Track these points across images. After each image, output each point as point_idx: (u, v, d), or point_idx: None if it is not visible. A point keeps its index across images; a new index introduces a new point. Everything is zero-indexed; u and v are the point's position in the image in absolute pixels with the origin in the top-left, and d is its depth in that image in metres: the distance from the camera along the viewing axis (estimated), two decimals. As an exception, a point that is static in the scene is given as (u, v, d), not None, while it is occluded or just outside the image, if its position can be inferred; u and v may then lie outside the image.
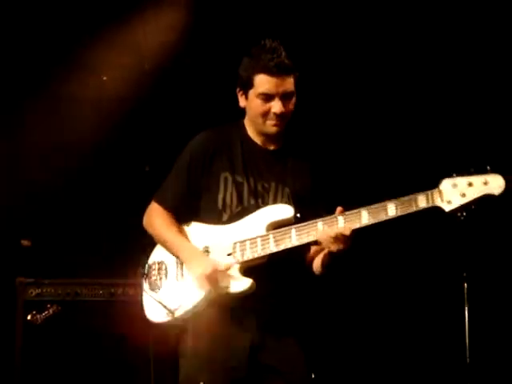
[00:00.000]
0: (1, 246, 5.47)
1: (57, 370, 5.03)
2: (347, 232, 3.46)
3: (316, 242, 3.64)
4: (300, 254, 3.73)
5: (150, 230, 3.84)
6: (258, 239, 3.61)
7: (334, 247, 3.49)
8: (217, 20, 5.86)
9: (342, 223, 3.49)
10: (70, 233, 5.84)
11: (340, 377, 6.08)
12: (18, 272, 5.15)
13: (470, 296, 5.67)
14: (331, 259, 3.61)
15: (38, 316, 5.01)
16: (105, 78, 5.93)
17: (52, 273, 5.23)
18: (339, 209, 3.52)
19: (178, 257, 3.73)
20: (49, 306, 5.06)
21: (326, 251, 3.60)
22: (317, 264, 3.73)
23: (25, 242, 5.10)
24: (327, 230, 3.49)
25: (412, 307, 6.15)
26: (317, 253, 3.74)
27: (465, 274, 5.70)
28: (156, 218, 3.81)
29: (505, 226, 6.01)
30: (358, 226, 3.48)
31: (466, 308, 5.64)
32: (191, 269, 3.66)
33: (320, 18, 5.94)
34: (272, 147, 3.78)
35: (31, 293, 5.08)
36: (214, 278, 3.59)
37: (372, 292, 6.25)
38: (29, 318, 5.01)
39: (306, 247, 3.72)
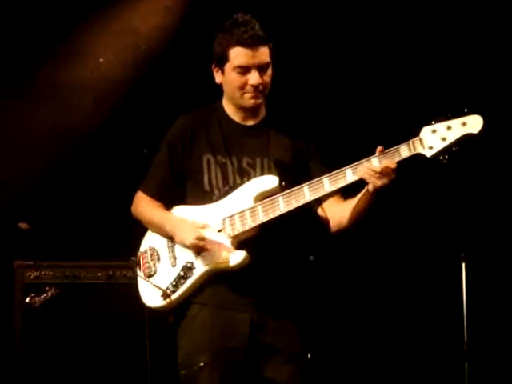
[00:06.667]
0: (-1, 228, 5.48)
1: (56, 353, 5.05)
2: (393, 165, 3.45)
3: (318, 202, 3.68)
4: (296, 226, 3.74)
5: (138, 216, 3.87)
6: (247, 212, 3.62)
7: (380, 182, 3.46)
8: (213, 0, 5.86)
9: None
10: (69, 215, 5.85)
11: (335, 357, 6.11)
12: (17, 255, 5.16)
13: (468, 276, 5.69)
14: (374, 199, 3.55)
15: (37, 299, 5.02)
16: (101, 60, 5.93)
17: (50, 255, 5.25)
18: (379, 148, 3.52)
19: (167, 233, 3.74)
20: (47, 288, 5.07)
21: (361, 196, 3.58)
22: (343, 215, 3.68)
23: (23, 225, 5.09)
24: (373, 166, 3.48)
25: (409, 288, 6.16)
26: (336, 207, 3.72)
27: (463, 254, 5.72)
28: (141, 204, 3.84)
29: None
30: (343, 184, 3.52)
31: (464, 288, 5.66)
32: (180, 238, 3.68)
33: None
34: (251, 122, 3.77)
35: (29, 276, 5.09)
36: (204, 242, 3.60)
37: (369, 274, 6.25)
38: (27, 300, 5.02)
39: (308, 214, 3.74)
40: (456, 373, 5.71)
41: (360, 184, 3.55)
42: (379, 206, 3.58)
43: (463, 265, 5.68)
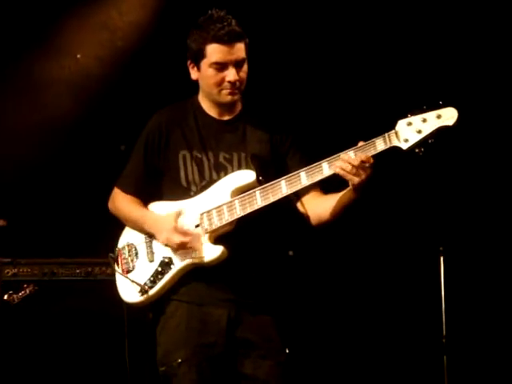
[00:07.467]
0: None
1: (34, 350, 5.04)
2: (370, 161, 3.45)
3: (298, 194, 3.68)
4: (275, 221, 3.75)
5: (115, 213, 3.88)
6: (224, 206, 3.63)
7: (357, 178, 3.46)
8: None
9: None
10: (46, 212, 5.83)
11: (315, 352, 6.13)
12: (-6, 252, 5.15)
13: (446, 270, 5.72)
14: (357, 195, 3.55)
15: (15, 296, 4.99)
16: (79, 56, 5.91)
17: (28, 252, 5.23)
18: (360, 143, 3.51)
19: (144, 229, 3.75)
20: (25, 285, 5.04)
21: (345, 192, 3.58)
22: (324, 209, 3.69)
23: (0, 222, 5.08)
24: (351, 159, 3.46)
25: (388, 282, 6.19)
26: (318, 201, 3.73)
27: (441, 248, 5.75)
28: (119, 201, 3.85)
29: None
30: (320, 177, 3.52)
31: (442, 282, 5.69)
32: (157, 233, 3.68)
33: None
34: (227, 117, 3.78)
35: (7, 273, 5.07)
36: (180, 235, 3.61)
37: (349, 269, 6.27)
38: (5, 298, 4.99)
39: (288, 209, 3.75)
40: (435, 366, 5.73)
41: (342, 179, 3.56)
42: (358, 200, 3.59)
43: (441, 259, 5.71)
